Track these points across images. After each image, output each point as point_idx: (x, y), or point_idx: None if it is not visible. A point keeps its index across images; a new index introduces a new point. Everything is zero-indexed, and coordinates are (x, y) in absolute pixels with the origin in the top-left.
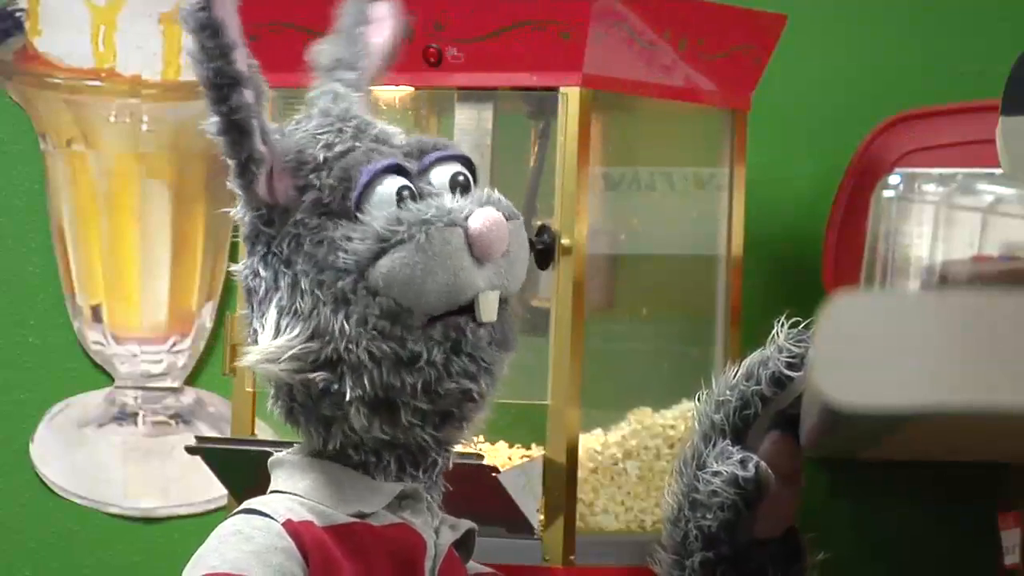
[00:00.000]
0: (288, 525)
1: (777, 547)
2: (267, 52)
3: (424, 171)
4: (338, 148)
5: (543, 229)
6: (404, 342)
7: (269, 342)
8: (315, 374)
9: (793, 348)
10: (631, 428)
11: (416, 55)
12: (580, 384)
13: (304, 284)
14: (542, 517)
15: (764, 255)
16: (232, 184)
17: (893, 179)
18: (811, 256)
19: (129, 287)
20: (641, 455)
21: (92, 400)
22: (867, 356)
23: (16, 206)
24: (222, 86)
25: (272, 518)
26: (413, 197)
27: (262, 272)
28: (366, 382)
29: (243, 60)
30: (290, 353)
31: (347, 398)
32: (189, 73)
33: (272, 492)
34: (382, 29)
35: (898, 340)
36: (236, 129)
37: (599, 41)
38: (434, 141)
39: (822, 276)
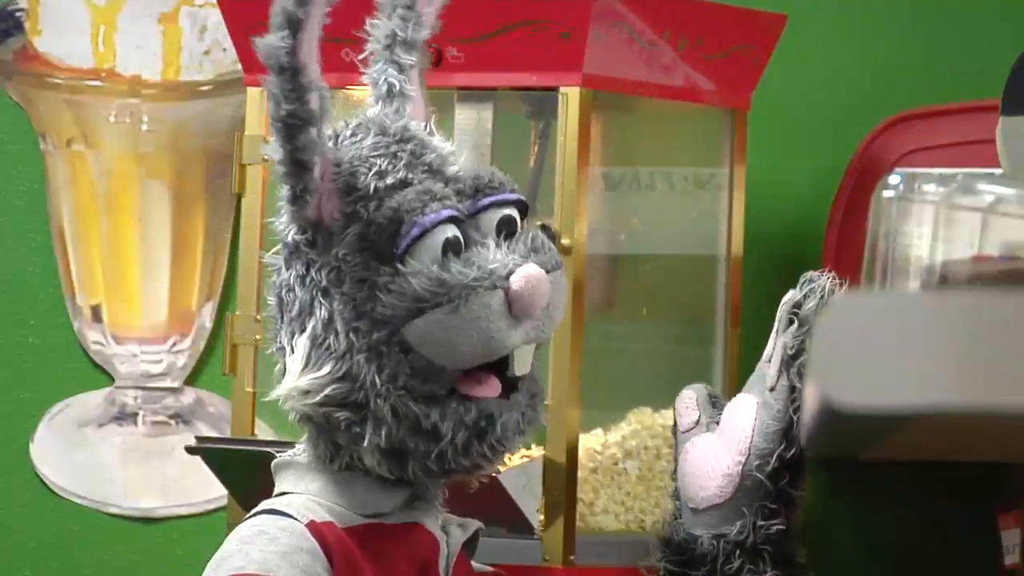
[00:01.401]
0: (312, 526)
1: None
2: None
3: (475, 214)
4: (389, 180)
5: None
6: (430, 410)
7: (299, 375)
8: (340, 412)
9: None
10: (631, 428)
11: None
12: (580, 384)
13: (339, 325)
14: (542, 517)
15: (764, 255)
16: (282, 203)
17: (893, 179)
18: (811, 256)
19: (129, 287)
20: (641, 455)
21: (92, 400)
22: (867, 356)
23: (16, 206)
24: (293, 126)
25: (295, 518)
26: (458, 248)
27: (298, 291)
28: (384, 435)
29: (316, 100)
30: (324, 395)
31: (365, 443)
32: (189, 73)
33: (281, 494)
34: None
35: (898, 340)
36: (299, 164)
37: (599, 41)
38: (488, 178)
39: None
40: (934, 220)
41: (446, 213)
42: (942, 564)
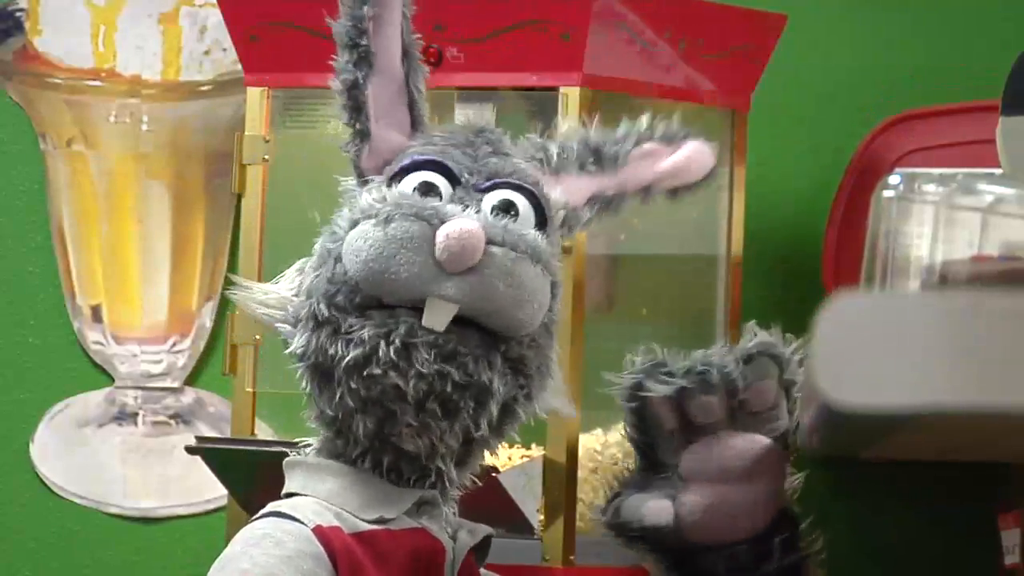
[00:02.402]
0: (318, 530)
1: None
2: (267, 52)
3: (483, 190)
4: (428, 148)
5: None
6: (346, 314)
7: (268, 287)
8: (281, 325)
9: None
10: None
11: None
12: (580, 384)
13: (317, 247)
14: (542, 517)
15: (764, 255)
16: (343, 147)
17: (893, 179)
18: (811, 256)
19: (129, 287)
20: None
21: (92, 400)
22: (867, 356)
23: (16, 206)
24: (345, 46)
25: (302, 523)
26: (436, 196)
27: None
28: (305, 341)
29: (383, 37)
30: (276, 299)
31: (292, 351)
32: (189, 73)
33: (289, 494)
34: (679, 156)
35: (898, 340)
36: (347, 94)
37: (599, 41)
38: (514, 170)
39: (822, 276)
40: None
41: (439, 158)
42: (942, 564)
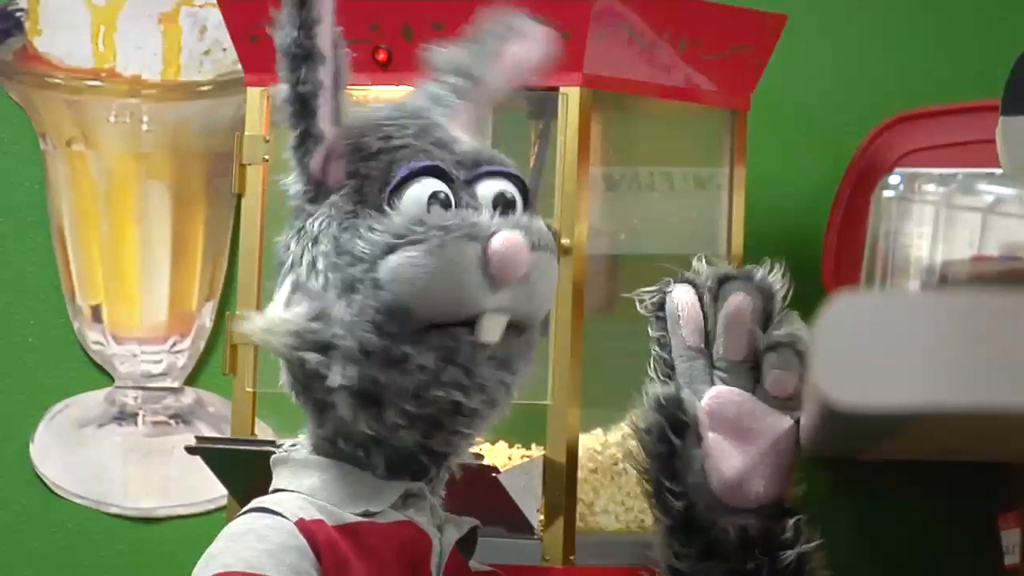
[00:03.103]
0: (301, 524)
1: (758, 523)
2: (267, 52)
3: (471, 182)
4: (395, 142)
5: None
6: (397, 341)
7: (274, 314)
8: (310, 354)
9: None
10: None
11: (416, 55)
12: (580, 384)
13: (320, 264)
14: (542, 517)
15: (764, 255)
16: (288, 153)
17: (893, 179)
18: (811, 256)
19: (129, 287)
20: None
21: (92, 400)
22: (867, 356)
23: (16, 206)
24: (297, 56)
25: (284, 517)
26: (448, 204)
27: (292, 246)
28: (353, 373)
29: (326, 37)
30: (291, 328)
31: (333, 385)
32: (189, 73)
33: (276, 490)
34: (526, 48)
35: (898, 340)
36: (300, 102)
37: (599, 41)
38: (491, 155)
39: (822, 276)
40: (934, 220)
41: (434, 163)
42: (942, 564)
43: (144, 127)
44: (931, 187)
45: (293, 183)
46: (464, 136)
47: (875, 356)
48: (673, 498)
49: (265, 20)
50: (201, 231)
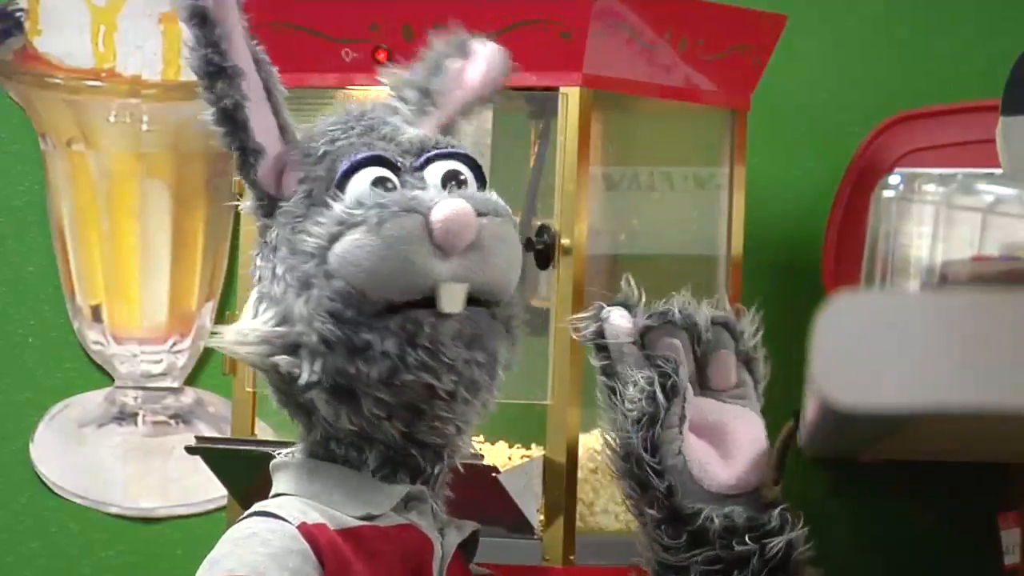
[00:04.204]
0: (303, 528)
1: (742, 511)
2: (267, 52)
3: (420, 168)
4: (340, 143)
5: (543, 229)
6: (357, 329)
7: (243, 324)
8: (280, 358)
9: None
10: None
11: (416, 55)
12: (580, 384)
13: (279, 270)
14: (542, 517)
15: (764, 255)
16: (237, 174)
17: (893, 179)
18: (811, 256)
19: (129, 287)
20: None
21: (92, 400)
22: (867, 356)
23: (16, 206)
24: (211, 75)
25: (287, 521)
26: (392, 187)
27: (259, 262)
28: (320, 368)
29: (238, 52)
30: (258, 335)
31: (304, 382)
32: (189, 73)
33: (277, 495)
34: (479, 67)
35: (898, 340)
36: (227, 119)
37: (599, 41)
38: (437, 139)
39: (822, 276)
40: (934, 220)
41: (374, 152)
42: (942, 564)
43: (144, 127)
44: (931, 187)
45: (250, 203)
46: (414, 129)
47: (875, 356)
48: (656, 477)
49: (265, 20)
50: (201, 231)
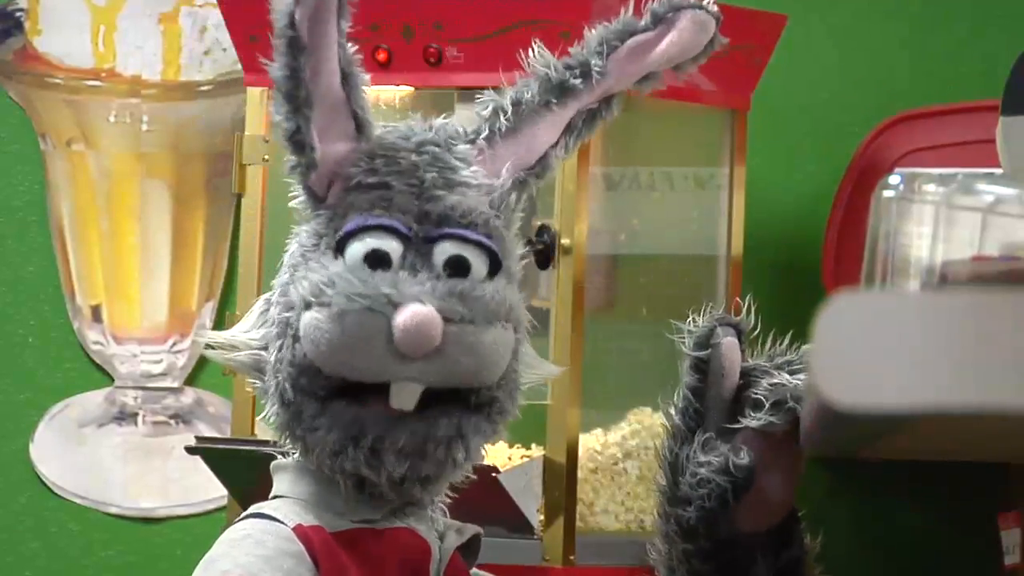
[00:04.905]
0: (298, 530)
1: (765, 538)
2: (267, 52)
3: (431, 241)
4: (372, 180)
5: (543, 229)
6: (309, 401)
7: (234, 333)
8: (255, 378)
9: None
10: (631, 428)
11: (416, 55)
12: (580, 384)
13: (276, 295)
14: (542, 517)
15: (764, 255)
16: (288, 173)
17: (893, 179)
18: (811, 256)
19: (129, 287)
20: (641, 455)
21: (92, 400)
22: (867, 356)
23: (16, 206)
24: (288, 97)
25: (282, 523)
26: (387, 264)
27: (291, 248)
28: (275, 414)
29: (325, 74)
30: (244, 351)
31: (262, 416)
32: (189, 73)
33: (275, 496)
34: (671, 37)
35: (898, 340)
36: (295, 141)
37: None
38: (465, 214)
39: (822, 276)
40: (934, 220)
41: (385, 221)
42: (942, 564)
43: (144, 127)
44: (931, 187)
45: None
46: (470, 176)
47: (875, 356)
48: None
49: (265, 20)
50: (201, 231)
